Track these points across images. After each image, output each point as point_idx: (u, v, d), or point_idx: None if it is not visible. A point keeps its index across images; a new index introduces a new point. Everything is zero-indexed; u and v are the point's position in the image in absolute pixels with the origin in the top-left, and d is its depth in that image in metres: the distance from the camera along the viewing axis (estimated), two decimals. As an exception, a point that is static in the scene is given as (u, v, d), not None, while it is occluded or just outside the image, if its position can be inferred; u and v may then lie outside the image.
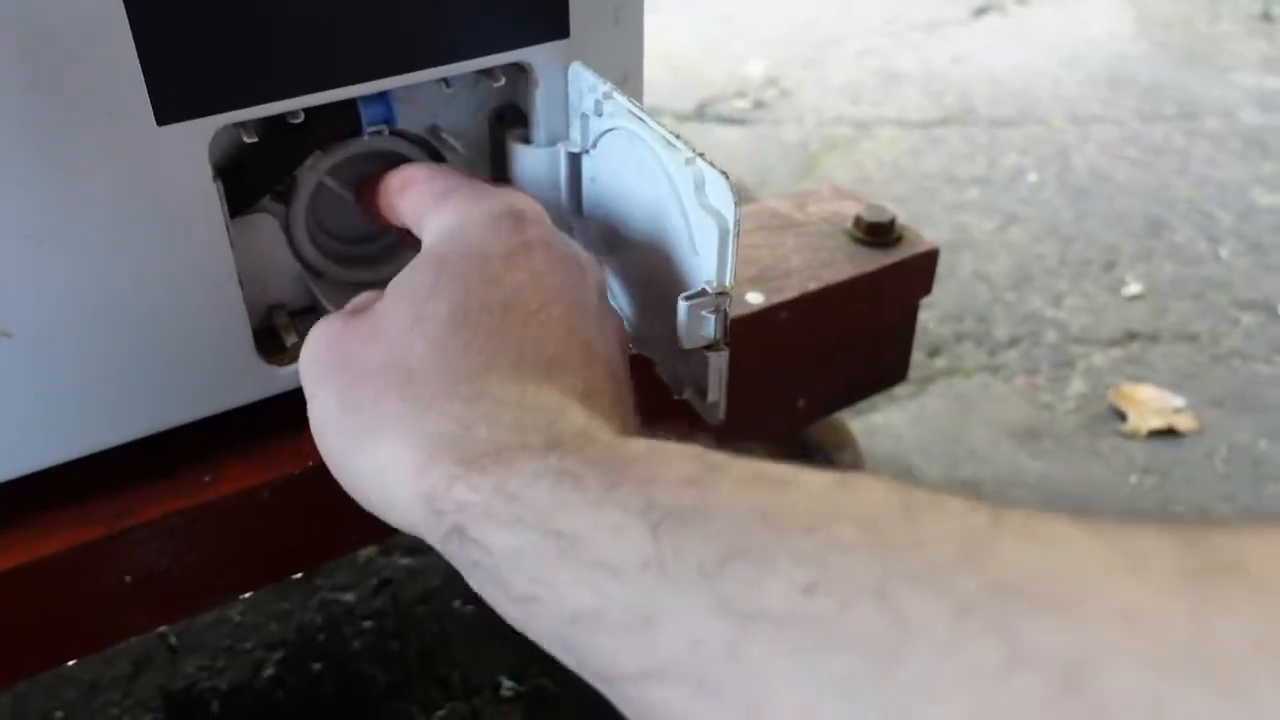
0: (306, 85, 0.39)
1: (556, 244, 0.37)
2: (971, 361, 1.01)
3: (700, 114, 1.50)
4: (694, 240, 0.39)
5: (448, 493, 0.29)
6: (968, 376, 0.99)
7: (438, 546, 0.30)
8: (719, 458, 0.26)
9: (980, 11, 1.86)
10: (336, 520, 0.48)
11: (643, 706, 0.24)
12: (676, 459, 0.27)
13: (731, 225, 0.37)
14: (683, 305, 0.38)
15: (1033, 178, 1.34)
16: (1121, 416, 0.93)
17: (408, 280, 0.35)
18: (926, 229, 1.22)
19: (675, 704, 0.23)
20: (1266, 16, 1.82)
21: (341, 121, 0.42)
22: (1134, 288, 1.12)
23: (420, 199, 0.39)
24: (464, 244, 0.36)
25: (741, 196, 0.70)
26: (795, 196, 0.67)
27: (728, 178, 0.36)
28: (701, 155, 0.37)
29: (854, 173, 1.35)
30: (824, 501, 0.23)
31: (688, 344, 0.38)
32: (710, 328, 0.39)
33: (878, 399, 0.94)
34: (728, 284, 0.38)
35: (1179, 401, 0.95)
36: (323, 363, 0.35)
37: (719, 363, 0.40)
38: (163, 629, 0.67)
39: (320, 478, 0.46)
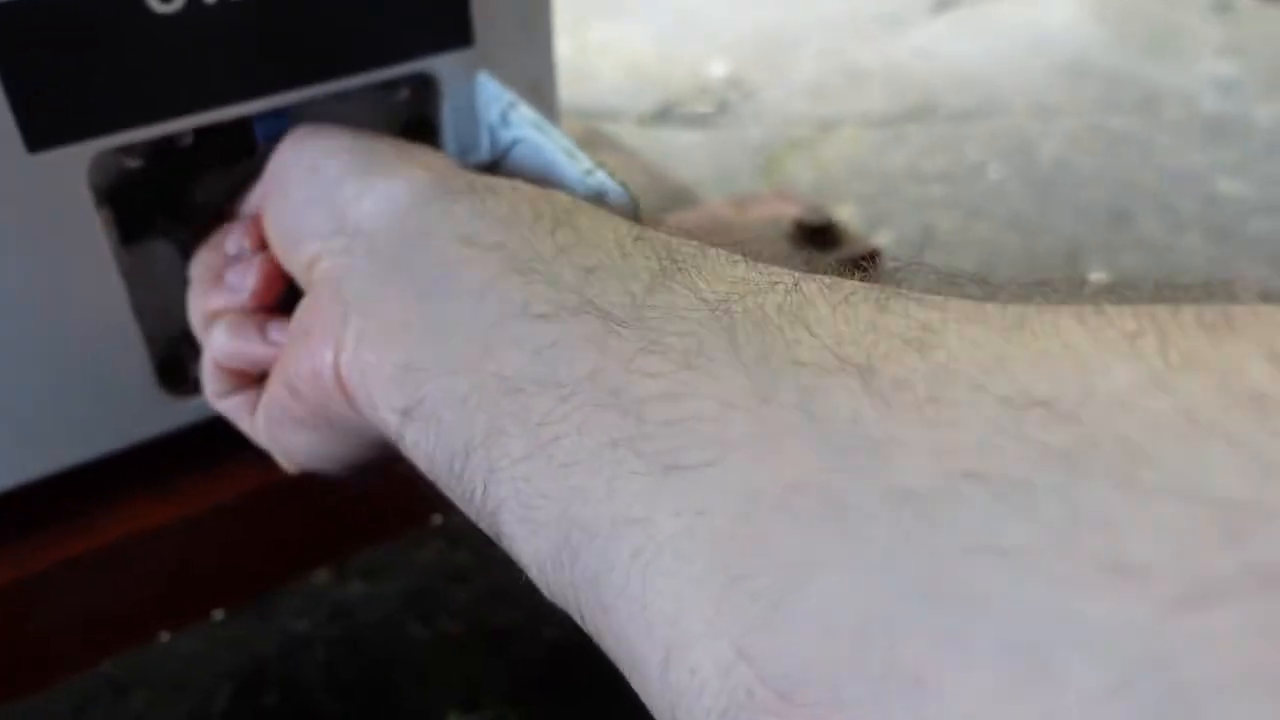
0: (190, 105, 0.37)
1: None
2: (935, 360, 1.00)
3: (663, 116, 1.49)
4: None
5: (391, 218, 0.32)
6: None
7: (391, 215, 0.32)
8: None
9: (941, 4, 1.85)
10: (255, 555, 0.46)
11: (534, 337, 0.25)
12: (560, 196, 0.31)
13: None
14: None
15: (996, 171, 1.33)
16: (1086, 411, 0.92)
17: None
18: (890, 227, 1.20)
19: (569, 332, 0.24)
20: (1222, 6, 1.82)
21: (235, 140, 0.41)
22: (1099, 279, 1.10)
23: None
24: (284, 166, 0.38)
25: (684, 202, 0.68)
26: (736, 200, 0.65)
27: (627, 189, 0.34)
28: (601, 166, 0.36)
29: (817, 172, 1.34)
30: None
31: None
32: None
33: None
34: None
35: (1144, 394, 0.93)
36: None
37: None
38: (105, 664, 0.65)
39: (232, 513, 0.44)
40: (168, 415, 0.43)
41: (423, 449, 0.27)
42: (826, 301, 0.22)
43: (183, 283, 0.44)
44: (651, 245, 0.26)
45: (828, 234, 0.59)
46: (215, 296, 0.38)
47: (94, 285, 0.38)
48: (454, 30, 0.42)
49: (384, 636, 0.69)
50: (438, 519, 0.53)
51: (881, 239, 1.17)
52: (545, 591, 0.24)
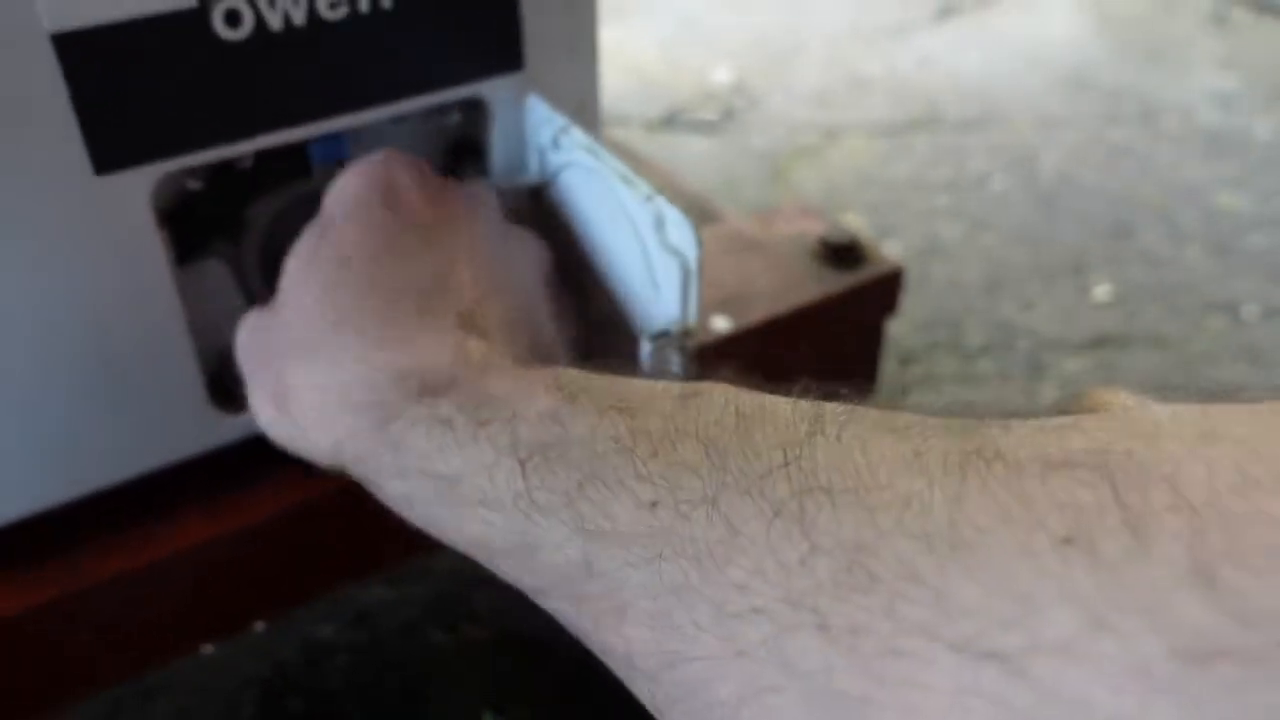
0: (252, 130, 0.38)
1: (434, 187, 0.39)
2: (945, 370, 1.01)
3: (669, 123, 1.50)
4: (655, 277, 0.38)
5: (349, 448, 0.33)
6: (942, 385, 0.98)
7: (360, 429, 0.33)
8: (578, 383, 0.29)
9: (943, 14, 1.86)
10: (298, 568, 0.47)
11: (554, 616, 0.27)
12: (540, 393, 0.29)
13: (694, 265, 0.36)
14: (647, 346, 0.37)
15: (1000, 182, 1.34)
16: (1093, 424, 0.93)
17: (294, 253, 0.38)
18: (897, 237, 1.21)
19: (565, 615, 0.26)
20: (1219, 18, 1.84)
21: (292, 163, 0.41)
22: (1103, 292, 1.12)
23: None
24: (343, 204, 0.38)
25: (706, 216, 0.69)
26: (760, 216, 0.66)
27: (688, 218, 0.35)
28: (660, 193, 0.36)
29: (823, 181, 1.34)
30: (670, 420, 0.26)
31: None
32: (675, 366, 0.38)
33: (850, 412, 0.93)
34: (691, 323, 0.37)
35: (1150, 407, 0.95)
36: (246, 349, 0.38)
37: None
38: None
39: (280, 526, 0.45)
40: (218, 431, 0.43)
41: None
42: (760, 528, 0.22)
43: (232, 299, 0.44)
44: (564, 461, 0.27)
45: (851, 252, 0.60)
46: None
47: (151, 304, 0.39)
48: (505, 55, 0.42)
49: (407, 643, 0.69)
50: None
51: (890, 249, 1.18)
52: None
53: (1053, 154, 1.40)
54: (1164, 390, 0.96)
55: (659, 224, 0.36)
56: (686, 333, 0.37)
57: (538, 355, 0.35)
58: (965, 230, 1.23)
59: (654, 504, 0.24)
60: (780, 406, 0.25)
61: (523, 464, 0.27)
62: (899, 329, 1.06)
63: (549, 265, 0.40)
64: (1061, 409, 0.22)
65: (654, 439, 0.25)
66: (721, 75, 1.63)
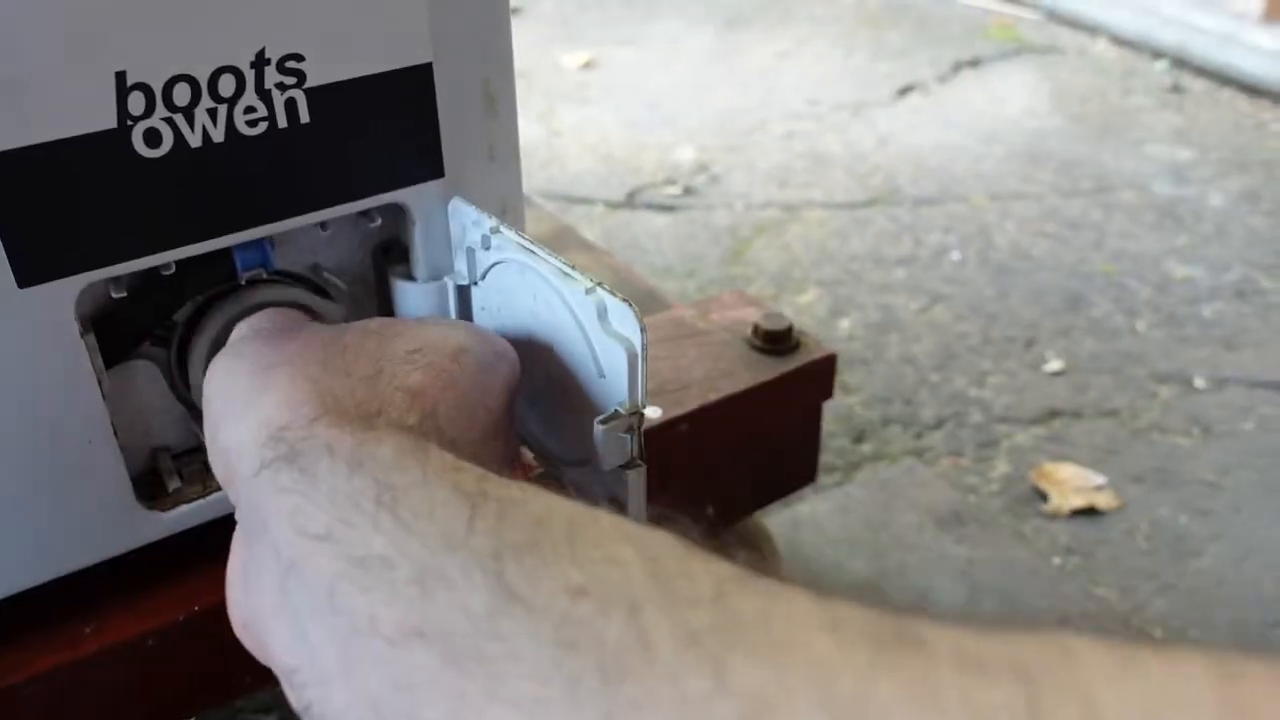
0: (174, 240, 0.39)
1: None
2: (898, 446, 1.02)
3: (630, 201, 1.53)
4: (600, 364, 0.39)
5: (305, 425, 0.31)
6: (894, 461, 1.00)
7: (243, 479, 0.32)
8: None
9: (903, 91, 1.91)
10: (224, 665, 0.47)
11: (391, 667, 0.25)
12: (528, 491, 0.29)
13: (640, 349, 0.37)
14: (599, 430, 0.38)
15: (956, 256, 1.37)
16: (1043, 497, 0.94)
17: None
18: (853, 311, 1.24)
19: (423, 668, 0.24)
20: (1176, 89, 1.89)
21: (216, 269, 0.43)
22: (1055, 364, 1.14)
23: None
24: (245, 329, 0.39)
25: (652, 303, 0.71)
26: (700, 304, 0.68)
27: (630, 305, 0.37)
28: (600, 285, 0.38)
29: (782, 256, 1.37)
30: (620, 526, 0.26)
31: (606, 465, 0.39)
32: (627, 447, 0.39)
33: (805, 489, 0.94)
34: (640, 404, 0.39)
35: (1100, 479, 0.96)
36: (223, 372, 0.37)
37: (637, 480, 0.40)
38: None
39: (205, 622, 0.45)
40: (145, 529, 0.44)
41: None
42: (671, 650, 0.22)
43: (161, 398, 0.45)
44: (488, 535, 0.26)
45: (786, 338, 0.62)
46: None
47: (78, 407, 0.40)
48: (425, 163, 0.44)
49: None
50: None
51: (844, 324, 1.20)
52: None
53: (1008, 227, 1.43)
54: (1113, 458, 0.97)
55: (602, 314, 0.38)
56: (635, 412, 0.38)
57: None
58: (921, 304, 1.25)
59: (580, 590, 0.23)
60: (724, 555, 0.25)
61: (474, 509, 0.27)
62: (853, 404, 1.07)
63: (508, 384, 0.40)
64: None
65: (602, 534, 0.25)
66: (685, 154, 1.67)
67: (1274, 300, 1.25)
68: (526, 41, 2.16)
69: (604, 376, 0.39)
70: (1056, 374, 1.12)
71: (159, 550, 0.45)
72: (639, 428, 0.39)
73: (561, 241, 0.84)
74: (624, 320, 0.37)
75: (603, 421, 0.38)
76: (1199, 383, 1.11)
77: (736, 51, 2.10)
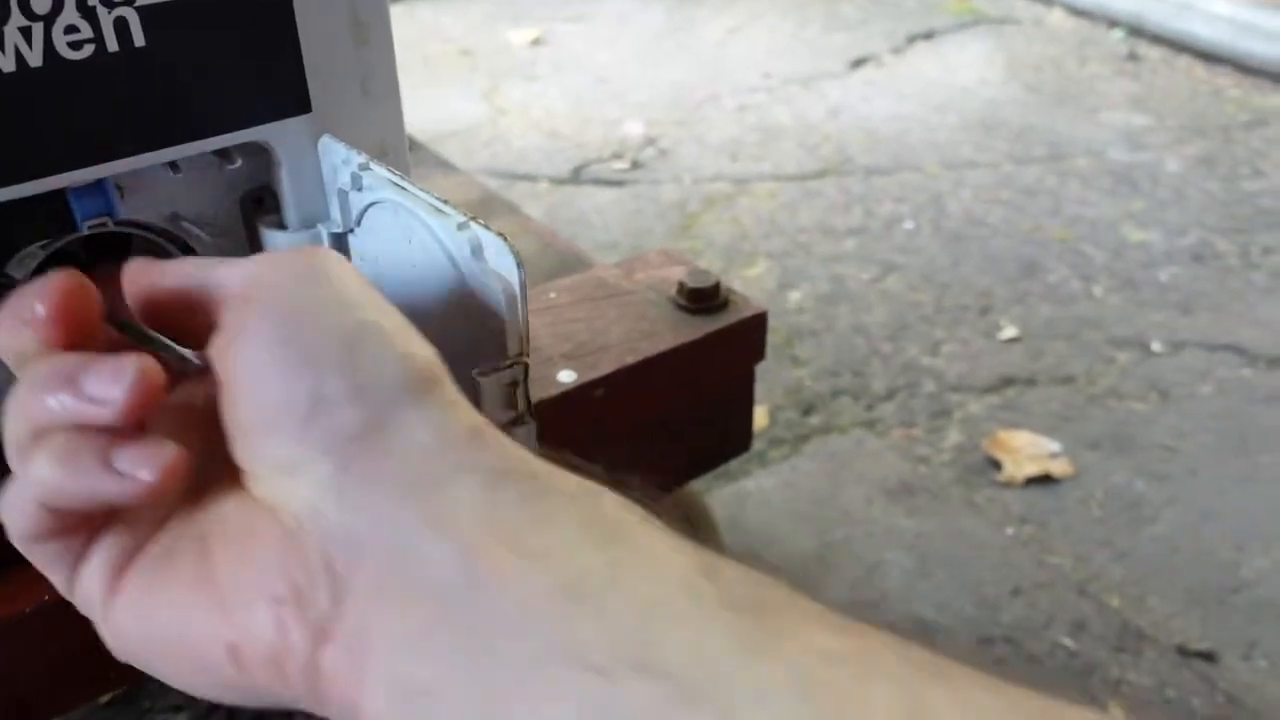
0: (-7, 179, 0.35)
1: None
2: (848, 417, 0.99)
3: (576, 177, 1.48)
4: (480, 309, 0.35)
5: None
6: (843, 433, 0.96)
7: None
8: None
9: (857, 64, 1.87)
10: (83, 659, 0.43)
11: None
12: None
13: (517, 288, 0.33)
14: (481, 382, 0.34)
15: (909, 225, 1.33)
16: (997, 466, 0.91)
17: None
18: (803, 283, 1.20)
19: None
20: (1133, 56, 1.87)
21: (51, 216, 0.38)
22: (1010, 331, 1.11)
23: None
24: None
25: (573, 264, 0.67)
26: (624, 264, 0.64)
27: (505, 239, 0.33)
28: (474, 219, 0.34)
29: (731, 229, 1.33)
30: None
31: (493, 422, 0.35)
32: (512, 400, 0.36)
33: (750, 463, 0.91)
34: (524, 352, 0.35)
35: (1055, 446, 0.93)
36: None
37: (526, 436, 0.37)
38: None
39: (35, 621, 0.41)
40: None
41: None
42: None
43: None
44: (726, 584, 0.22)
45: (713, 296, 0.58)
46: (51, 403, 0.25)
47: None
48: (288, 96, 0.40)
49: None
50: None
51: (794, 296, 1.17)
52: None
53: (962, 195, 1.40)
54: (1068, 425, 0.94)
55: (476, 250, 0.34)
56: (517, 362, 0.34)
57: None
58: (873, 274, 1.22)
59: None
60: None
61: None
62: (801, 376, 1.04)
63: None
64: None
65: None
66: (633, 129, 1.63)
67: (1231, 263, 1.23)
68: (473, 18, 2.11)
69: (485, 324, 0.36)
70: (1011, 341, 1.09)
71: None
72: (524, 379, 0.36)
73: (489, 209, 0.80)
74: (500, 257, 0.33)
75: (482, 373, 0.35)
76: (1156, 347, 1.08)
77: (688, 26, 2.06)
